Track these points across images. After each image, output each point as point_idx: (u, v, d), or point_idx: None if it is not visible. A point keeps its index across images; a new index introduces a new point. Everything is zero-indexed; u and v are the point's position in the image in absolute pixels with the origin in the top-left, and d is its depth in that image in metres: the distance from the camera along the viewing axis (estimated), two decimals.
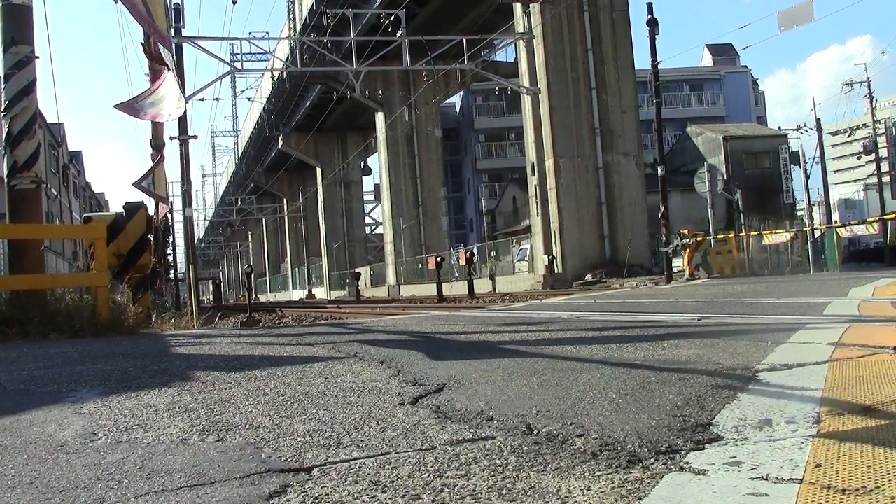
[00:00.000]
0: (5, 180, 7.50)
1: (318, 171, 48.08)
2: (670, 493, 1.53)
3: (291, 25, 35.17)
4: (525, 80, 24.85)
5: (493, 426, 2.18)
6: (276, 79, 39.03)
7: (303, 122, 44.40)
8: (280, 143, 47.74)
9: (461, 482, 1.66)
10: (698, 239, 18.80)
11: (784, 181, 38.66)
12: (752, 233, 21.11)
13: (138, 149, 60.18)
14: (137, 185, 9.36)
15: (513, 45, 28.01)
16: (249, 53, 37.41)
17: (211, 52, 24.23)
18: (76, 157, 54.21)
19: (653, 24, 19.46)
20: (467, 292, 21.25)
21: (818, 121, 39.19)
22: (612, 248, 23.88)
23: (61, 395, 3.09)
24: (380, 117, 36.50)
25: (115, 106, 7.51)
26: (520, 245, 30.75)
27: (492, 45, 30.57)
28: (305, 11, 32.98)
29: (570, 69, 24.02)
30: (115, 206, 42.18)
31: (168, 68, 8.38)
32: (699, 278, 17.84)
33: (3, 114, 7.35)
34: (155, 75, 9.27)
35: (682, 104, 54.78)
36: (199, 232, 77.30)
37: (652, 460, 1.76)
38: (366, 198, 55.33)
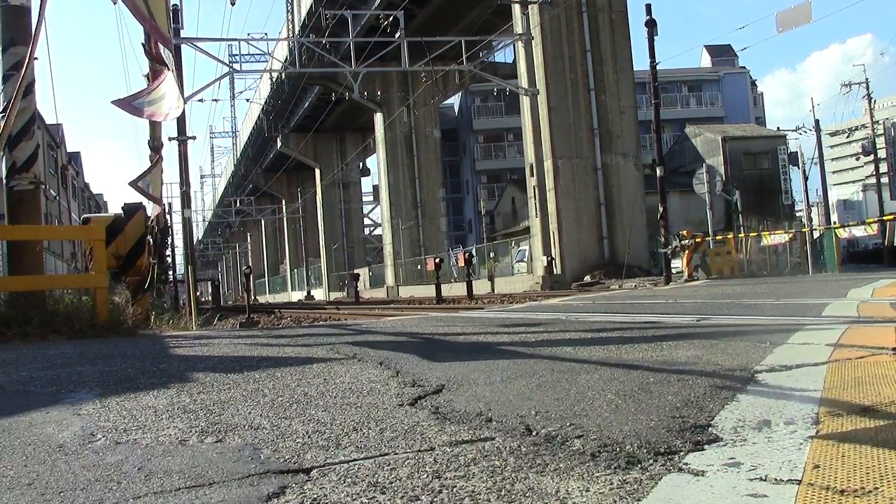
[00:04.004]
0: (4, 181, 7.49)
1: (317, 172, 48.04)
2: (669, 494, 1.53)
3: (290, 26, 35.12)
4: (524, 81, 24.85)
5: (492, 427, 2.18)
6: (274, 80, 39.01)
7: (301, 123, 44.36)
8: (279, 143, 47.69)
9: (460, 483, 1.66)
10: (697, 240, 18.79)
11: (783, 182, 38.64)
12: (751, 234, 21.12)
13: (137, 150, 60.36)
14: (133, 184, 9.32)
15: (511, 46, 28.02)
16: (248, 54, 37.32)
17: (210, 53, 24.26)
18: (75, 157, 54.14)
19: (651, 25, 19.45)
20: (466, 293, 21.24)
21: (817, 122, 39.21)
22: (611, 249, 23.86)
23: (60, 397, 3.09)
24: (378, 118, 36.48)
25: (112, 102, 7.48)
26: (518, 246, 30.73)
27: (490, 46, 30.57)
28: (304, 12, 32.95)
29: (568, 70, 24.02)
30: (114, 207, 42.09)
31: (168, 69, 8.34)
32: (698, 279, 17.83)
33: (1, 115, 7.34)
34: (154, 76, 9.23)
35: (680, 105, 54.78)
36: (197, 233, 77.25)
37: (651, 461, 1.77)
38: (364, 199, 55.27)
